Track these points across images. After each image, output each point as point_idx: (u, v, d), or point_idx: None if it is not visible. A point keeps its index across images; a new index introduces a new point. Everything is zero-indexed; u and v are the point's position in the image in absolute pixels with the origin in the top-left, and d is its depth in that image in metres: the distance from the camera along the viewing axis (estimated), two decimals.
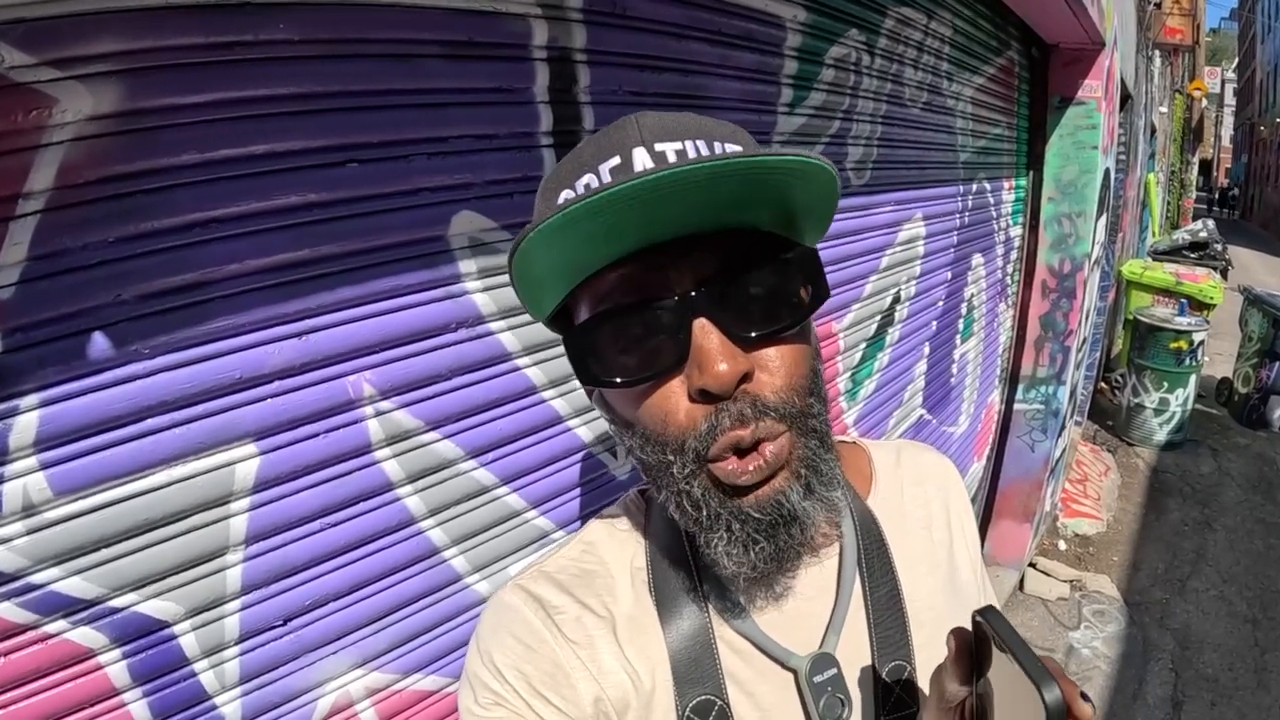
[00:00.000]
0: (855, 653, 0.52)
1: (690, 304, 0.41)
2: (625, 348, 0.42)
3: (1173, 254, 6.26)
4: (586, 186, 0.42)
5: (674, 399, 0.43)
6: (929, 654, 0.53)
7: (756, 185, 0.39)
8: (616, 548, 0.56)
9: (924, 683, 0.53)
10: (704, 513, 0.44)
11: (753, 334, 0.42)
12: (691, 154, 0.42)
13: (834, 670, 0.50)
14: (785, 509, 0.43)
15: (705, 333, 0.41)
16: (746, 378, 0.42)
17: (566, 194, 0.43)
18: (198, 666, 0.71)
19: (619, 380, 0.43)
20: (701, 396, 0.42)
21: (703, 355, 0.41)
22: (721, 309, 0.41)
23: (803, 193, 0.41)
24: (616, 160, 0.41)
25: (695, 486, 0.44)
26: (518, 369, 0.92)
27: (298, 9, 0.66)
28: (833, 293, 1.59)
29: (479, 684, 0.50)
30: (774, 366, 0.43)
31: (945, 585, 0.58)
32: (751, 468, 0.42)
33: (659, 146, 0.41)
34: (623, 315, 0.42)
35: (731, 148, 0.43)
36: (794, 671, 0.50)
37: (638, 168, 0.41)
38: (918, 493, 0.61)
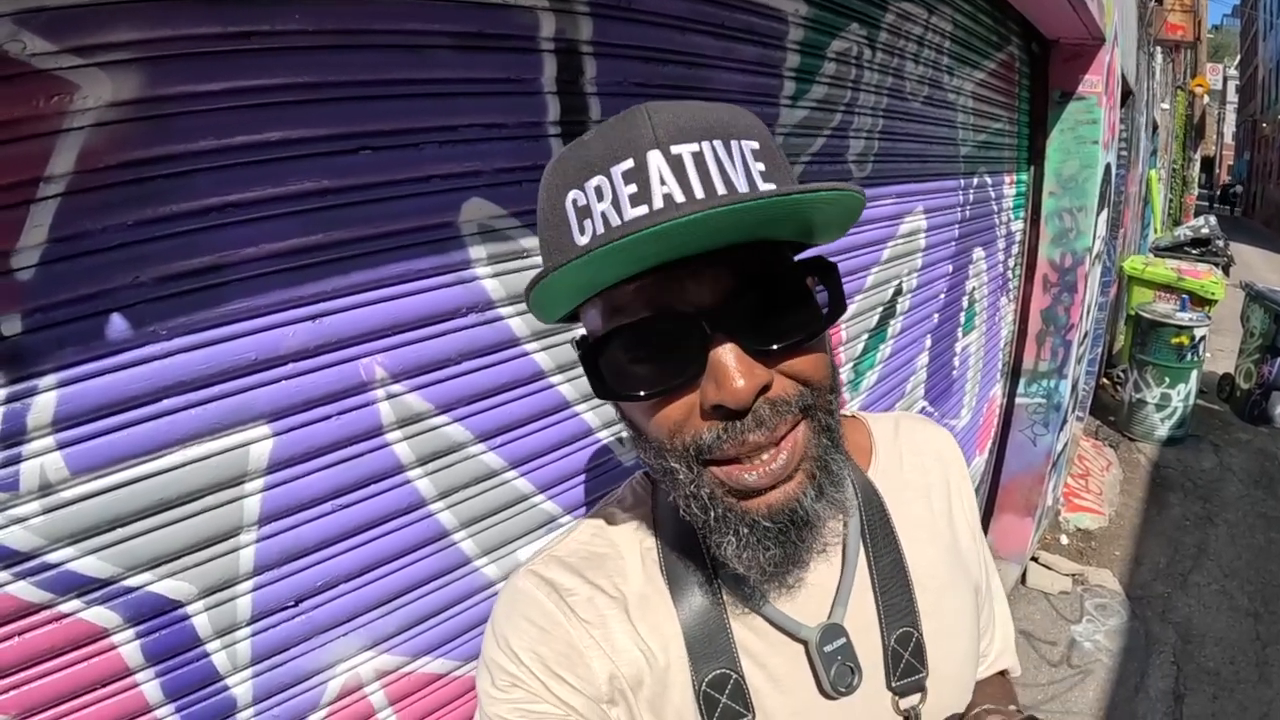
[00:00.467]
0: (863, 621, 0.53)
1: (708, 319, 0.41)
2: (641, 361, 0.42)
3: (1174, 250, 6.24)
4: (597, 190, 0.40)
5: (687, 412, 0.43)
6: (934, 620, 0.55)
7: (785, 213, 0.39)
8: (625, 530, 0.56)
9: (931, 648, 0.54)
10: (712, 515, 0.45)
11: (773, 347, 0.42)
12: (709, 159, 0.40)
13: (843, 639, 0.51)
14: (799, 514, 0.44)
15: (723, 348, 0.41)
16: (765, 389, 0.42)
17: (575, 195, 0.41)
18: (210, 647, 0.72)
19: (638, 395, 0.43)
20: (715, 411, 0.42)
21: (720, 371, 0.40)
22: (740, 323, 0.41)
23: (830, 213, 0.41)
24: (629, 164, 0.40)
25: (701, 489, 0.44)
26: (526, 354, 0.92)
27: (312, 0, 0.67)
28: None
29: (496, 668, 0.51)
30: (791, 374, 0.43)
31: (947, 552, 0.59)
32: (763, 470, 0.43)
33: (675, 149, 0.40)
34: (639, 330, 0.42)
35: (748, 144, 0.42)
36: (804, 643, 0.51)
37: (653, 175, 0.39)
38: (916, 463, 0.63)
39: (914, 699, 0.53)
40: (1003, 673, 0.69)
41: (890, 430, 0.64)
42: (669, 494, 0.47)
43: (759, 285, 0.42)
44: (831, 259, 0.45)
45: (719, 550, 0.46)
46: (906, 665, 0.53)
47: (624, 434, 1.06)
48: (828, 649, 0.51)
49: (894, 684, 0.53)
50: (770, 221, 0.39)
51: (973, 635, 0.60)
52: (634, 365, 0.42)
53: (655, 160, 0.39)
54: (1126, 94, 4.30)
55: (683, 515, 0.47)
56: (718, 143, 0.41)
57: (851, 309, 1.66)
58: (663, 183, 0.39)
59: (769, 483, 0.43)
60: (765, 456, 0.43)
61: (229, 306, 0.67)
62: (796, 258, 0.47)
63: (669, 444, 0.44)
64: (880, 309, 1.81)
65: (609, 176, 0.40)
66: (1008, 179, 2.62)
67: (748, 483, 0.43)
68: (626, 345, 0.42)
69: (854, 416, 0.66)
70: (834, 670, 0.50)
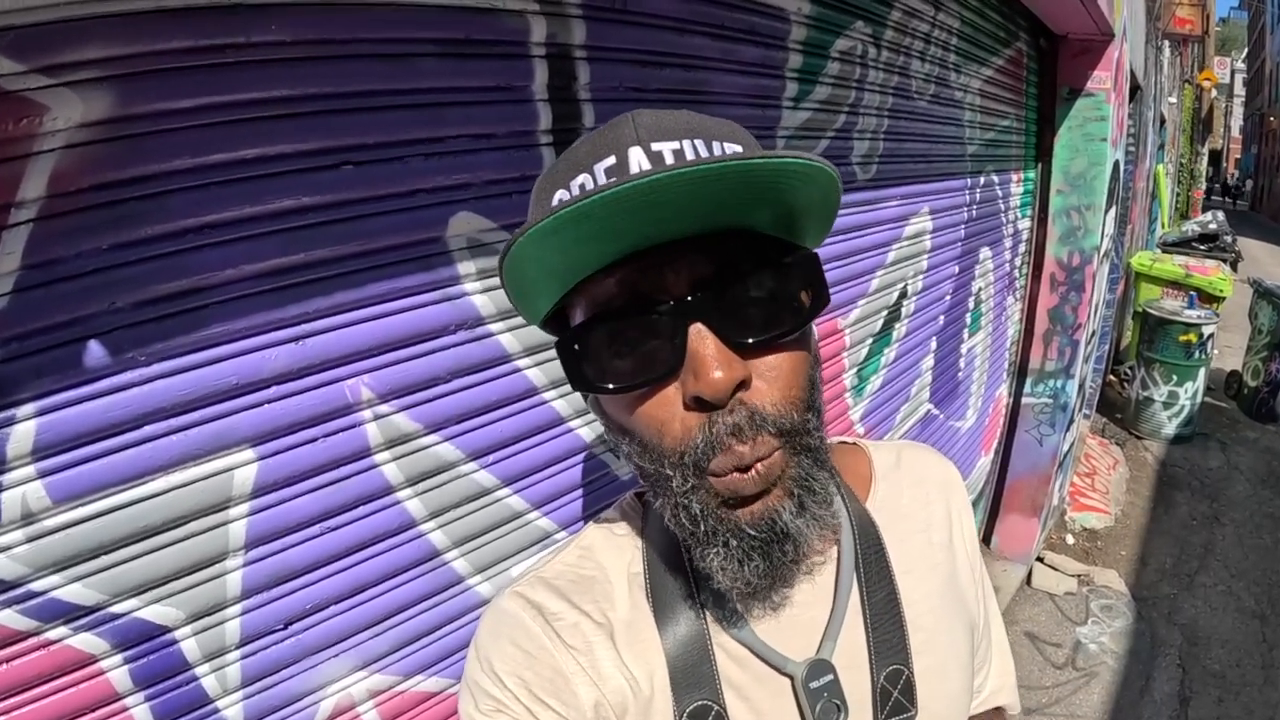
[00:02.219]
0: (853, 657, 0.52)
1: (686, 308, 0.40)
2: (619, 353, 0.41)
3: (1182, 246, 6.19)
4: (581, 187, 0.41)
5: (669, 406, 0.42)
6: (927, 658, 0.53)
7: (754, 187, 0.38)
8: (614, 552, 0.55)
9: (922, 687, 0.52)
10: (701, 527, 0.44)
11: (750, 340, 0.41)
12: (689, 154, 0.40)
13: (830, 676, 0.50)
14: (779, 527, 0.43)
15: (701, 338, 0.40)
16: (743, 385, 0.41)
17: (561, 194, 0.42)
18: (199, 671, 0.71)
19: (612, 386, 0.42)
20: (696, 404, 0.41)
21: (698, 361, 0.40)
22: (718, 314, 0.40)
23: (803, 194, 0.40)
24: (612, 160, 0.40)
25: (694, 501, 0.43)
26: (518, 370, 0.91)
27: (290, 10, 0.65)
28: (839, 288, 1.60)
29: (479, 691, 0.50)
30: (772, 375, 0.42)
31: (944, 588, 0.58)
32: (749, 476, 0.42)
33: (656, 146, 0.40)
34: (617, 320, 0.41)
35: (731, 147, 0.42)
36: (790, 677, 0.50)
37: (633, 168, 0.40)
38: (917, 494, 0.61)
39: None
40: (999, 710, 0.67)
41: (892, 460, 0.62)
42: (657, 501, 0.46)
43: (738, 276, 0.41)
44: (835, 264, 0.44)
45: (705, 562, 0.45)
46: (895, 704, 0.51)
47: (608, 439, 1.04)
48: (814, 685, 0.49)
49: None
50: (742, 201, 0.38)
51: (966, 674, 0.58)
52: (612, 359, 0.42)
53: (636, 155, 0.40)
54: (1135, 89, 4.24)
55: (668, 524, 0.46)
56: (699, 141, 0.41)
57: (855, 314, 1.64)
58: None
59: (756, 489, 0.42)
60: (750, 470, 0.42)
61: (209, 330, 0.65)
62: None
63: (658, 444, 0.43)
64: (885, 313, 1.79)
65: (592, 173, 0.41)
66: (1015, 177, 2.59)
67: (741, 490, 0.42)
68: (603, 336, 0.42)
69: (855, 444, 0.64)
70: (819, 707, 0.49)
